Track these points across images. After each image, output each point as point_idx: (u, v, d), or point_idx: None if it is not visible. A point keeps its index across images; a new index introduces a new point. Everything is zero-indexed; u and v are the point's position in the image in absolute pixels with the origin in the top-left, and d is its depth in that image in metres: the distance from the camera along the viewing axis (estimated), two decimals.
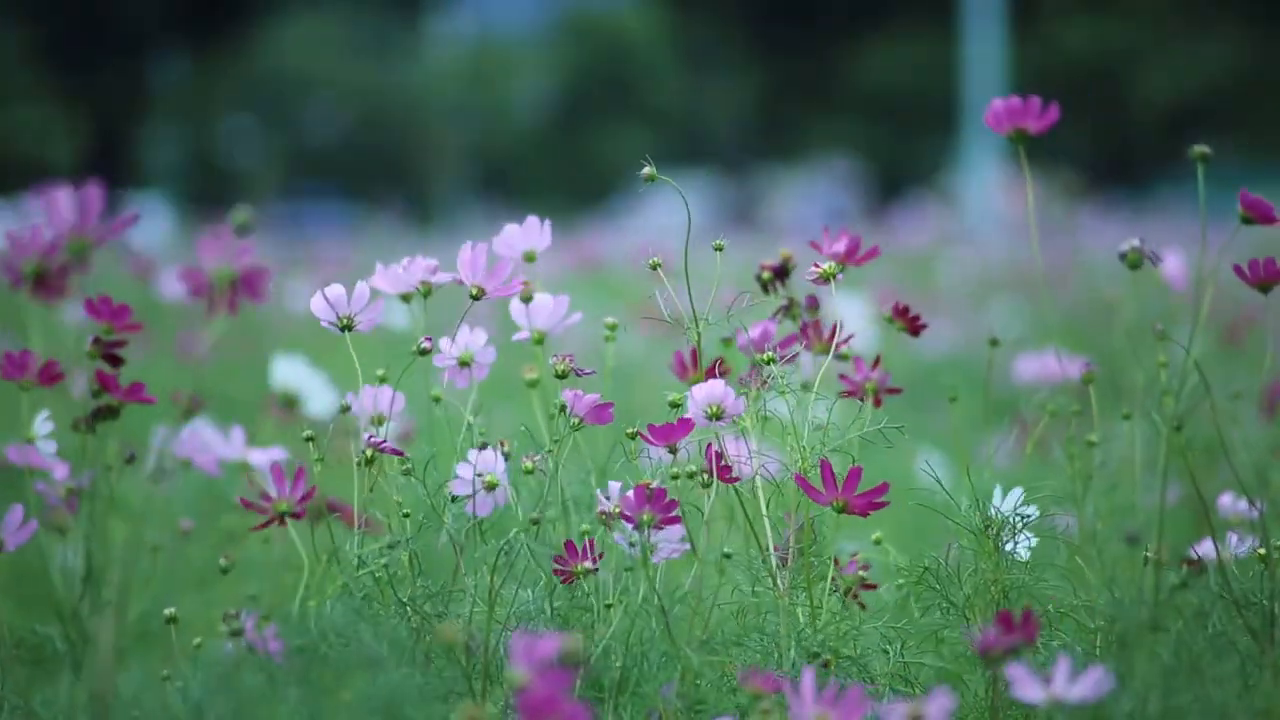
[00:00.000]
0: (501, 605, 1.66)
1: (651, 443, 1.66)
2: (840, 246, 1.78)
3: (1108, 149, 21.33)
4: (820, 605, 1.68)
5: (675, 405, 1.67)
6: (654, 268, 1.69)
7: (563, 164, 23.29)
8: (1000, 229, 11.45)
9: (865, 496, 1.64)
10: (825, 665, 1.63)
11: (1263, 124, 21.95)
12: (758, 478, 1.68)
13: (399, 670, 1.52)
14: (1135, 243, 1.72)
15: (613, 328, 1.85)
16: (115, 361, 1.73)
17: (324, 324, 1.74)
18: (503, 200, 17.14)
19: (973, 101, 16.15)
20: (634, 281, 7.10)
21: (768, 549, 1.67)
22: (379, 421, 1.74)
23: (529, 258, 1.82)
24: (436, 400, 1.79)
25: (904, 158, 22.37)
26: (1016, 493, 1.71)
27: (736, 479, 1.68)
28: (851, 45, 24.45)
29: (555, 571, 1.66)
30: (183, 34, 24.92)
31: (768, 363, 1.68)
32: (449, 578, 1.68)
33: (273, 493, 1.71)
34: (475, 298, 1.73)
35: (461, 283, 1.76)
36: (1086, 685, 1.44)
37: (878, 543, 1.84)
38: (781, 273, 1.91)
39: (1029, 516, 1.71)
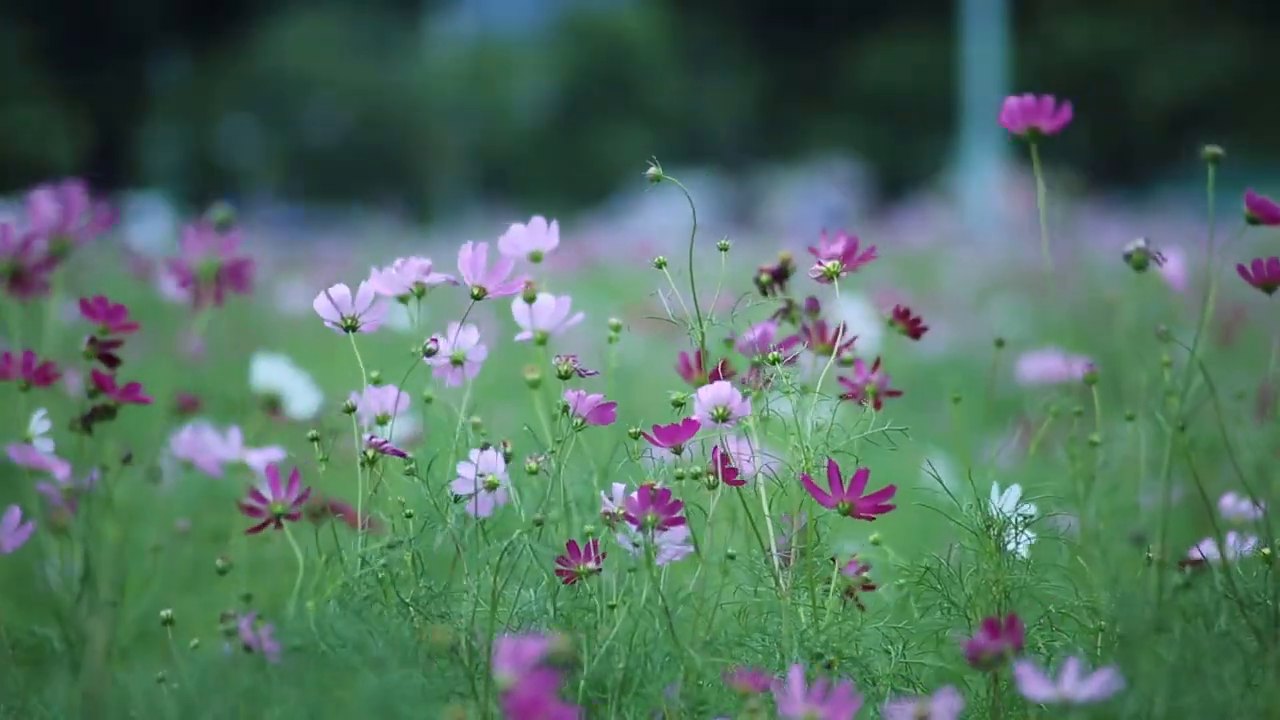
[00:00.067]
0: (504, 605, 1.66)
1: (657, 444, 1.65)
2: (838, 248, 1.78)
3: (1108, 149, 21.32)
4: (822, 606, 1.68)
5: (679, 404, 1.67)
6: (660, 266, 1.69)
7: (563, 164, 23.29)
8: (1000, 229, 11.46)
9: (871, 499, 1.63)
10: (829, 666, 1.63)
11: (1263, 124, 21.94)
12: (760, 478, 1.68)
13: (400, 670, 1.51)
14: (1140, 243, 1.71)
15: (616, 328, 1.84)
16: (111, 362, 1.72)
17: (328, 325, 1.73)
18: (503, 200, 17.14)
19: (973, 101, 16.14)
20: (633, 282, 7.10)
21: (770, 550, 1.67)
22: (382, 421, 1.74)
23: (535, 258, 1.81)
24: (428, 400, 1.78)
25: (904, 158, 22.38)
26: (1014, 490, 1.71)
27: (742, 481, 1.67)
28: (851, 45, 24.45)
29: (558, 572, 1.66)
30: (183, 34, 24.92)
31: (773, 363, 1.68)
32: (451, 578, 1.68)
33: (268, 494, 1.70)
34: (476, 298, 1.73)
35: (455, 283, 1.75)
36: (1095, 685, 1.43)
37: (875, 543, 1.83)
38: (780, 275, 1.91)
39: (1030, 516, 1.70)
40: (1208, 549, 1.70)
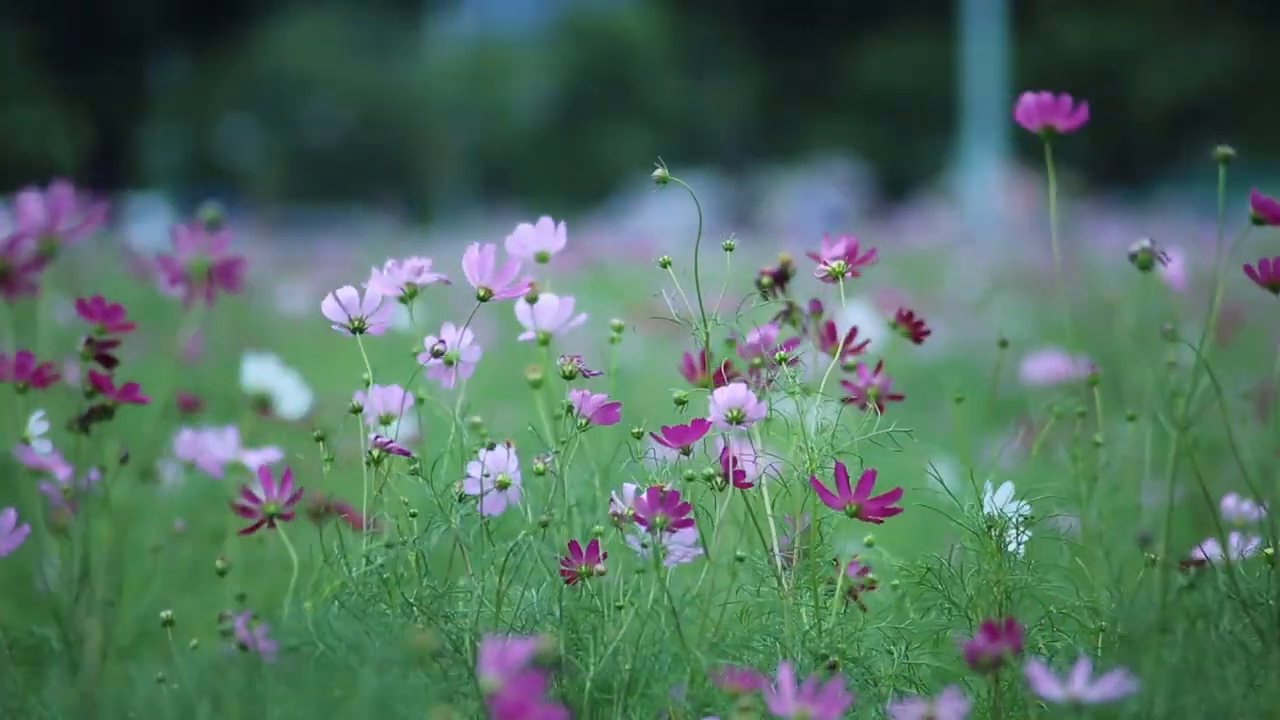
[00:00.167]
0: (509, 605, 1.65)
1: (665, 444, 1.65)
2: (839, 250, 1.77)
3: (1108, 149, 21.31)
4: (825, 607, 1.67)
5: (682, 403, 1.66)
6: (664, 265, 1.69)
7: (563, 164, 23.29)
8: (1001, 229, 11.45)
9: (879, 501, 1.63)
10: (832, 667, 1.63)
11: (1263, 124, 21.93)
12: (763, 479, 1.67)
13: (400, 671, 1.51)
14: (1146, 243, 1.70)
15: (618, 329, 1.84)
16: (108, 362, 1.71)
17: (335, 326, 1.73)
18: (503, 200, 17.14)
19: (973, 101, 16.13)
20: (633, 282, 7.09)
21: (773, 550, 1.66)
22: (386, 421, 1.73)
23: (541, 258, 1.81)
24: (420, 401, 1.78)
25: (904, 158, 22.38)
26: (1007, 487, 1.70)
27: (750, 484, 1.67)
28: (851, 45, 24.45)
29: (562, 573, 1.65)
30: (183, 34, 24.92)
31: (779, 363, 1.67)
32: (453, 578, 1.68)
33: (260, 494, 1.70)
34: (483, 299, 1.72)
35: (448, 283, 1.75)
36: (1107, 686, 1.43)
37: (869, 545, 1.83)
38: (781, 277, 1.91)
39: (1029, 516, 1.70)
40: (1210, 549, 1.70)
